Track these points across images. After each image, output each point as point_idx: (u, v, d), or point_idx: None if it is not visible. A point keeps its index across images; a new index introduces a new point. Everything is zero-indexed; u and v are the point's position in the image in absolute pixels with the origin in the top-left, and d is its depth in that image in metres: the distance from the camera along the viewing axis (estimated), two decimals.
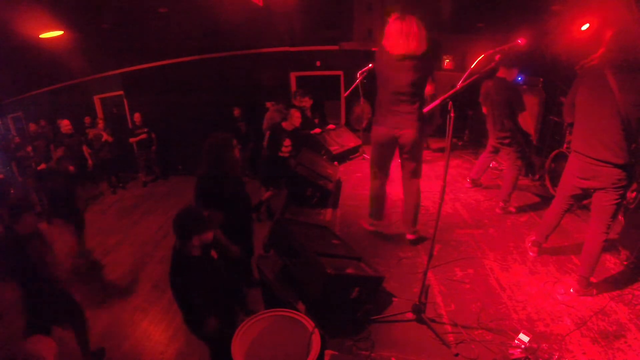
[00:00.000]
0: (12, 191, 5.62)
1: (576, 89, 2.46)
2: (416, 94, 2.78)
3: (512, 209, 3.72)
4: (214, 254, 2.42)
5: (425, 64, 2.73)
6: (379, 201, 3.30)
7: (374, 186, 3.23)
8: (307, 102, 5.50)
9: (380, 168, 3.14)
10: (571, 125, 2.64)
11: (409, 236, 3.17)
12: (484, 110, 4.10)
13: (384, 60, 2.75)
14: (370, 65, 3.05)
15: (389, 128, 2.87)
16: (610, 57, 2.22)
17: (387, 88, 2.80)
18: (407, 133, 2.83)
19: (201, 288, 2.15)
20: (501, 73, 3.60)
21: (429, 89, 4.56)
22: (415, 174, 3.04)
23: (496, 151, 4.02)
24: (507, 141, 3.67)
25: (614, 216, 2.40)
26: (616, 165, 2.26)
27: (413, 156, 2.95)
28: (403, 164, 3.07)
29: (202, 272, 2.19)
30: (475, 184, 4.31)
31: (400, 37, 2.59)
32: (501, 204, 3.70)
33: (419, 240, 3.16)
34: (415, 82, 2.72)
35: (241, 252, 3.02)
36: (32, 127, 7.30)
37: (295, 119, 4.70)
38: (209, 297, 2.21)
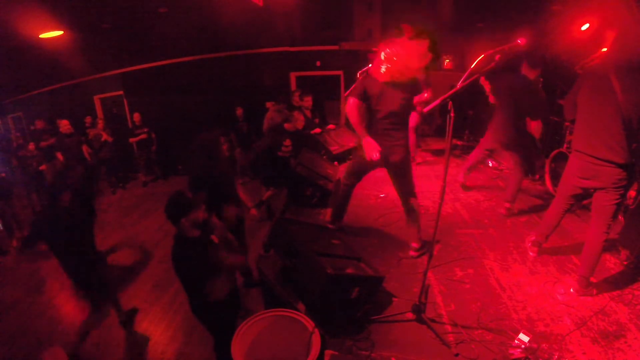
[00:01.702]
0: (14, 191, 5.61)
1: (578, 89, 2.46)
2: (405, 115, 2.83)
3: (515, 210, 3.69)
4: (214, 238, 2.44)
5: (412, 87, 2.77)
6: (343, 205, 3.31)
7: (344, 189, 3.22)
8: (308, 102, 5.49)
9: (357, 177, 3.16)
10: (572, 122, 2.64)
11: (412, 252, 3.07)
12: (492, 101, 3.73)
13: (374, 84, 2.76)
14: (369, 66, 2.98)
15: (381, 149, 2.84)
16: (613, 58, 2.22)
17: (379, 110, 2.79)
18: (398, 153, 2.83)
19: (202, 264, 2.20)
20: (525, 70, 3.39)
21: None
22: (410, 193, 2.99)
23: (489, 155, 3.93)
24: (514, 143, 3.50)
25: (615, 216, 2.40)
26: (617, 165, 2.26)
27: (404, 175, 2.94)
28: (396, 185, 3.02)
29: (201, 250, 2.25)
30: (466, 188, 4.19)
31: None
32: (507, 204, 3.62)
33: (420, 255, 3.06)
34: (405, 104, 2.76)
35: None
36: (39, 124, 7.26)
37: (299, 122, 4.72)
38: (210, 274, 2.26)
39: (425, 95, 4.71)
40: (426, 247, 3.05)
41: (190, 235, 2.26)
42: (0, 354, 3.21)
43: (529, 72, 3.42)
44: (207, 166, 2.85)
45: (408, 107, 2.81)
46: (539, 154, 4.31)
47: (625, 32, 2.24)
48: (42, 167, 6.22)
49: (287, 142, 4.62)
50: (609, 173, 2.30)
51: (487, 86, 3.81)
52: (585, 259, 2.49)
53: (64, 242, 2.96)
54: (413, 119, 4.92)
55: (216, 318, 2.44)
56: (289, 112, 5.04)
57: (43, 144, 6.70)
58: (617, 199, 2.35)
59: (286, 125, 4.70)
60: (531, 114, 3.48)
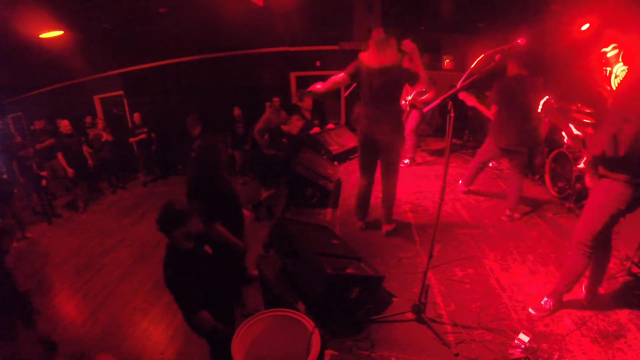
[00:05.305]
0: (15, 191, 5.61)
1: None
2: (393, 99, 2.93)
3: (518, 215, 3.58)
4: (208, 249, 2.43)
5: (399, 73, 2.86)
6: (364, 202, 3.37)
7: (360, 186, 3.32)
8: (307, 104, 5.47)
9: (365, 169, 3.24)
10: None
11: (385, 227, 3.30)
12: (493, 112, 3.49)
13: (363, 70, 2.91)
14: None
15: (368, 131, 3.00)
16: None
17: (366, 93, 2.93)
18: (384, 134, 2.95)
19: (192, 280, 2.15)
20: (518, 70, 3.23)
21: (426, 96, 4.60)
22: (391, 171, 3.13)
23: (491, 159, 3.92)
24: (515, 147, 3.36)
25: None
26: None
27: (388, 155, 3.07)
28: (381, 165, 3.17)
29: (193, 264, 2.20)
30: (467, 191, 4.16)
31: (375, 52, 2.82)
32: (507, 212, 3.52)
33: (393, 231, 3.32)
34: (391, 87, 2.87)
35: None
36: (39, 124, 7.26)
37: (295, 128, 4.75)
38: (201, 291, 2.22)
39: (427, 94, 4.75)
40: (398, 227, 3.35)
41: (184, 247, 2.20)
42: (0, 354, 3.21)
43: (520, 71, 3.26)
44: (204, 168, 2.85)
45: (395, 90, 2.92)
46: (541, 153, 4.28)
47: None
48: (44, 173, 6.22)
49: (284, 140, 4.64)
50: None
51: (469, 101, 3.79)
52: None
53: None
54: (413, 119, 4.93)
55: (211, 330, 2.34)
56: (288, 116, 5.04)
57: (39, 145, 6.64)
58: None
59: (283, 127, 4.72)
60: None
